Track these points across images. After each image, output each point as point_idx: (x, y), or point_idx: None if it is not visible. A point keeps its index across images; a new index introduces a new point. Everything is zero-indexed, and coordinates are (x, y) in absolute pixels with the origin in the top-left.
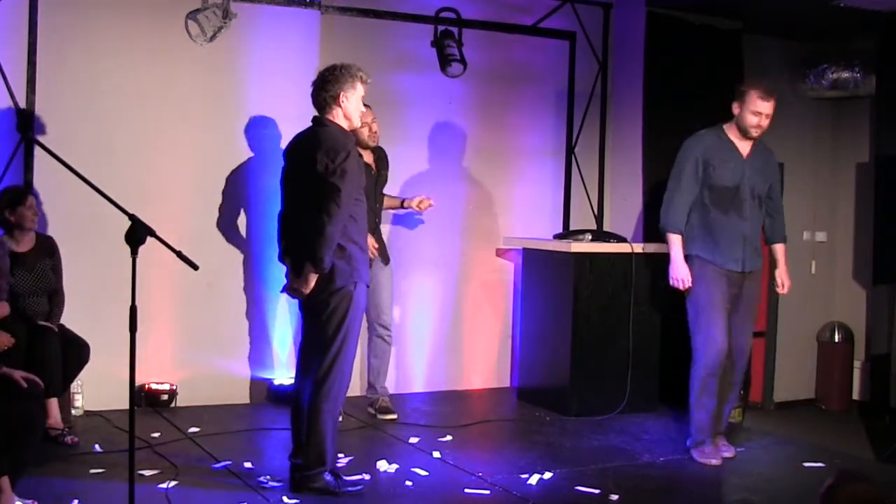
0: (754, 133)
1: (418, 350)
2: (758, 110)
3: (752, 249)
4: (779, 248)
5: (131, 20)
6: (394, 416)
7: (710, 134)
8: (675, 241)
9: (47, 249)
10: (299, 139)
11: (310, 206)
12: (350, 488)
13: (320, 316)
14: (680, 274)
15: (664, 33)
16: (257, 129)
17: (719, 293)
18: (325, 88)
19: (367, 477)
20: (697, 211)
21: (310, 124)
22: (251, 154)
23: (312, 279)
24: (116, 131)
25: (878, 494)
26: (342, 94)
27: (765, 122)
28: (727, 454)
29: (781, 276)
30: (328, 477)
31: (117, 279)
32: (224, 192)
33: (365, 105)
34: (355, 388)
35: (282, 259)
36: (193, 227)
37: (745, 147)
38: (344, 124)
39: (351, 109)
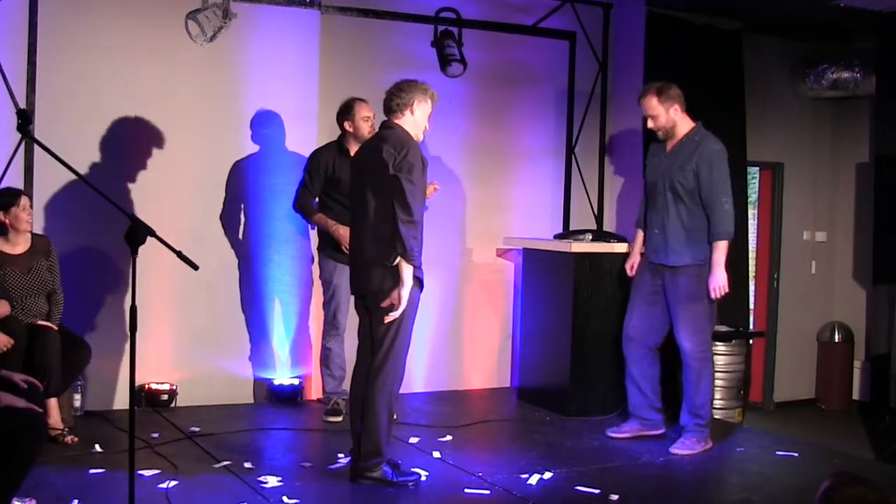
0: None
1: (418, 350)
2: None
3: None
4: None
5: (131, 20)
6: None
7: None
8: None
9: (43, 250)
10: (367, 142)
11: (382, 202)
12: (403, 478)
13: (378, 310)
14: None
15: (664, 33)
16: (257, 129)
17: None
18: (399, 95)
19: (423, 474)
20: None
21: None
22: (251, 154)
23: (408, 274)
24: (116, 131)
25: (875, 497)
26: (415, 102)
27: (651, 123)
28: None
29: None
30: (386, 467)
31: (117, 279)
32: (224, 192)
33: (362, 100)
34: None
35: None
36: (193, 227)
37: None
38: (411, 131)
39: (419, 119)
